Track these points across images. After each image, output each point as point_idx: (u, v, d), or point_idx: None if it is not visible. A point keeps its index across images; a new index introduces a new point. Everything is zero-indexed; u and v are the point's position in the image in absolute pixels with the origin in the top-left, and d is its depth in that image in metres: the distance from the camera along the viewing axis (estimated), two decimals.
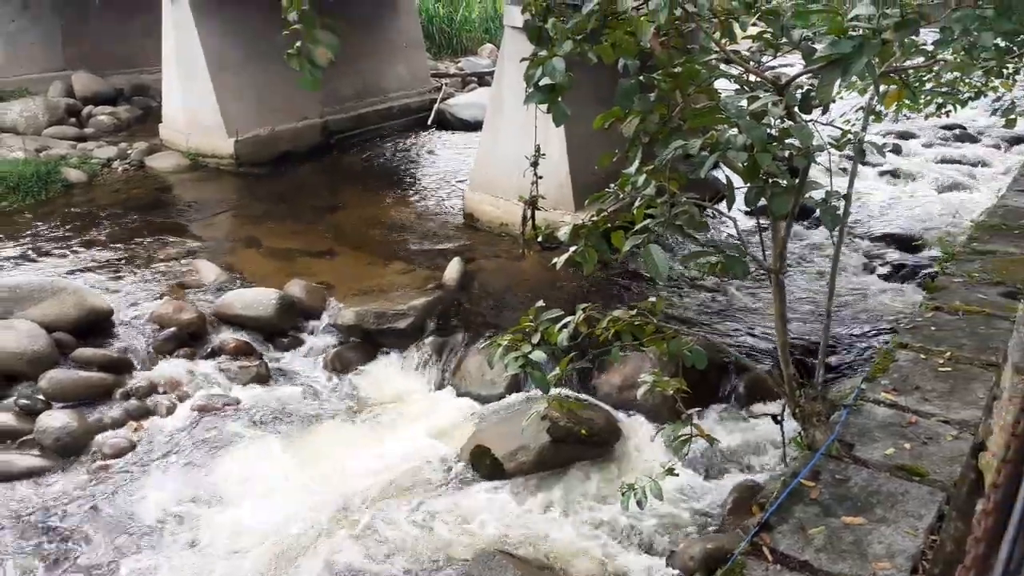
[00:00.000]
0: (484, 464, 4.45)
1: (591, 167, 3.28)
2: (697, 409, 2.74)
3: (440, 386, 5.32)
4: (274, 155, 9.35)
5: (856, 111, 4.24)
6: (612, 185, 2.26)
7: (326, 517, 4.11)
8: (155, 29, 9.22)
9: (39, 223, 7.37)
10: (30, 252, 6.74)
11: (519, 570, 3.65)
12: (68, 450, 4.49)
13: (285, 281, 6.04)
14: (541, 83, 1.83)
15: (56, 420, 4.56)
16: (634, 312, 2.40)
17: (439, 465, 4.55)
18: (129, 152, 9.30)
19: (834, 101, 2.01)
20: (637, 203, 2.22)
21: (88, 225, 7.34)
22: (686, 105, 2.04)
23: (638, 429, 4.74)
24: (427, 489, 4.35)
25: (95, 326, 5.41)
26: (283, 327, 5.69)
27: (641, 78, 2.02)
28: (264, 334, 5.64)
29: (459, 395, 5.21)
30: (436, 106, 11.36)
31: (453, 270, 6.26)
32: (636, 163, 2.17)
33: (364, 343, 5.62)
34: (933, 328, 3.55)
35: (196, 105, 9.08)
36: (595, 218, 2.17)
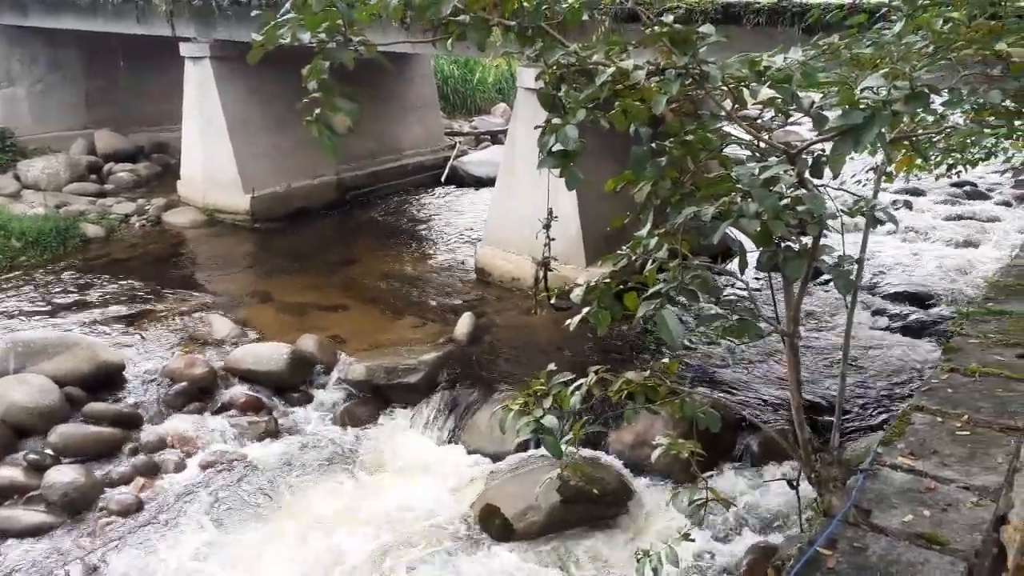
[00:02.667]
0: (494, 524, 4.38)
1: (602, 225, 3.32)
2: (711, 474, 2.69)
3: (450, 442, 5.27)
4: (289, 211, 9.49)
5: (867, 172, 4.26)
6: (624, 247, 2.28)
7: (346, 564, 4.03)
8: (176, 90, 9.46)
9: (56, 278, 7.46)
10: (46, 306, 6.81)
11: None
12: (75, 506, 4.45)
13: (297, 335, 6.06)
14: (554, 149, 1.86)
15: (64, 475, 4.53)
16: (648, 374, 2.38)
17: (448, 524, 4.48)
18: (147, 208, 9.46)
19: (845, 163, 2.03)
20: (649, 265, 2.23)
21: (104, 280, 7.42)
22: (697, 171, 2.06)
23: (651, 490, 4.67)
24: (436, 549, 4.27)
25: (107, 380, 5.42)
26: (294, 381, 5.69)
27: (653, 144, 2.05)
28: (275, 388, 5.64)
29: (469, 452, 5.16)
30: (450, 163, 11.54)
31: (464, 325, 6.27)
32: (648, 226, 2.19)
33: (374, 398, 5.60)
34: (950, 390, 3.49)
35: (214, 162, 9.26)
36: (607, 279, 2.18)
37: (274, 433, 5.25)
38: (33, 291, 7.12)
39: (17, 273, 7.52)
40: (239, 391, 5.51)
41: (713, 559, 4.16)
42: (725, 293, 6.26)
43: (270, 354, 5.74)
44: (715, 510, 4.21)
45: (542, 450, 4.82)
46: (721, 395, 5.16)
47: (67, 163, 10.16)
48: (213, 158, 9.26)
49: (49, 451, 4.75)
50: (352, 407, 5.53)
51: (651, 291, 2.03)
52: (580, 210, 6.69)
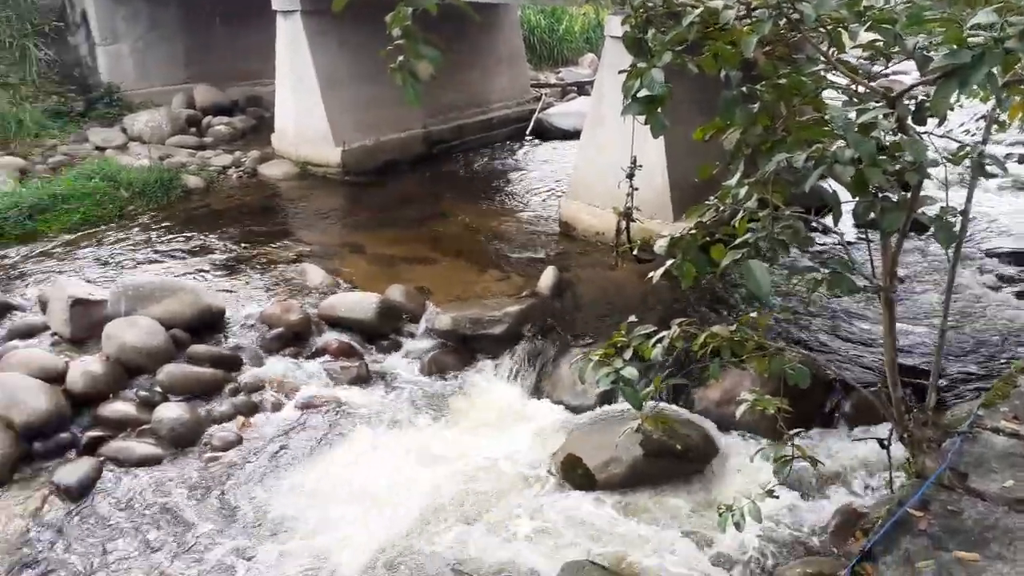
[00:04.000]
0: (575, 474, 4.44)
1: (690, 177, 3.24)
2: (799, 429, 2.64)
3: (533, 393, 5.34)
4: (378, 164, 9.65)
5: (977, 121, 3.99)
6: (712, 197, 2.22)
7: (418, 518, 4.19)
8: (269, 45, 9.68)
9: (161, 226, 7.85)
10: (152, 253, 7.19)
11: None
12: (181, 440, 4.75)
13: (386, 286, 6.21)
14: (639, 95, 1.82)
15: (171, 412, 4.84)
16: (734, 328, 2.34)
17: (530, 472, 4.57)
18: (243, 160, 9.80)
19: (952, 110, 1.90)
20: (739, 216, 2.17)
21: (205, 229, 7.76)
22: (790, 117, 1.98)
23: (736, 447, 4.63)
24: (517, 495, 4.37)
25: (209, 324, 5.71)
26: (383, 330, 5.85)
27: (744, 89, 1.97)
28: (365, 336, 5.81)
29: (551, 403, 5.22)
30: (535, 116, 11.44)
31: (548, 278, 6.28)
32: (738, 175, 2.12)
33: (460, 348, 5.72)
34: None
35: (306, 116, 9.47)
36: (693, 230, 2.13)
37: (365, 378, 5.43)
38: (140, 238, 7.53)
39: (125, 222, 7.96)
40: (332, 337, 5.72)
41: (798, 518, 4.11)
42: (818, 245, 6.07)
43: (361, 303, 5.92)
44: (804, 473, 4.15)
45: (624, 404, 4.83)
46: (812, 353, 5.03)
47: (169, 117, 10.60)
48: (305, 112, 9.47)
49: (158, 389, 5.07)
50: (439, 356, 5.66)
51: (738, 241, 1.98)
52: (668, 162, 6.55)
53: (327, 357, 5.59)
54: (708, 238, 2.14)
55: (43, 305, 5.94)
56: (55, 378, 4.92)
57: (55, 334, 5.63)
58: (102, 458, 4.58)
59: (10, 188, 8.20)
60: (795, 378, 2.35)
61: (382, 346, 5.81)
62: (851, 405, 4.69)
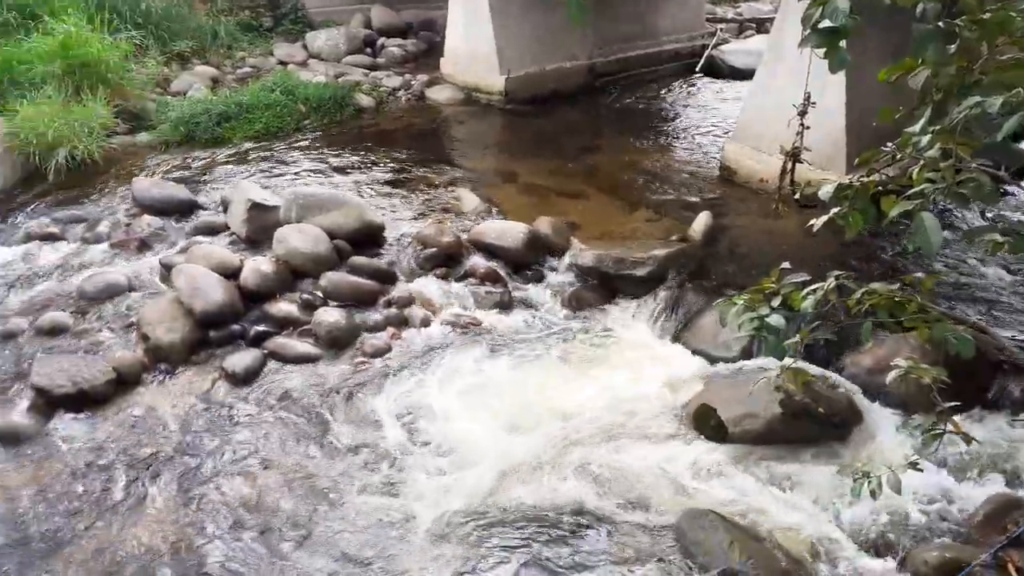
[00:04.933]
0: (707, 424, 4.37)
1: (869, 126, 3.00)
2: (956, 403, 2.45)
3: (672, 339, 5.27)
4: (540, 93, 9.62)
5: None
6: (890, 143, 2.05)
7: (547, 446, 4.29)
8: None
9: (332, 141, 8.26)
10: (322, 166, 7.61)
11: (729, 534, 3.58)
12: (336, 343, 5.08)
13: (535, 217, 6.26)
14: (821, 25, 1.68)
15: (330, 316, 5.18)
16: (896, 287, 2.17)
17: (660, 417, 4.54)
18: (412, 83, 10.07)
19: None
20: (918, 167, 1.99)
21: (372, 147, 8.10)
22: (991, 58, 1.77)
23: (882, 418, 4.37)
24: (645, 437, 4.38)
25: (369, 239, 6.00)
26: (528, 260, 5.94)
27: (940, 24, 1.78)
28: (511, 264, 5.92)
29: (689, 351, 5.13)
30: (707, 52, 10.94)
31: (700, 223, 6.10)
32: (923, 121, 1.94)
33: (602, 286, 5.71)
34: None
35: (474, 42, 9.55)
36: (864, 178, 1.98)
37: (507, 305, 5.56)
38: (312, 151, 7.97)
39: (300, 134, 8.44)
40: (480, 262, 5.87)
41: (942, 499, 3.86)
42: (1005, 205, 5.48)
43: (509, 231, 6.01)
44: (956, 453, 3.88)
45: (767, 361, 4.67)
46: (983, 326, 4.62)
47: (346, 36, 11.01)
48: (473, 38, 9.54)
49: (319, 293, 5.42)
50: (580, 291, 5.68)
51: (912, 191, 1.82)
52: (847, 106, 6.08)
53: (474, 281, 5.76)
54: (880, 187, 1.98)
55: (225, 206, 6.46)
56: (231, 274, 5.38)
57: (233, 234, 6.13)
58: (266, 351, 4.99)
59: (203, 95, 8.88)
60: (958, 347, 2.16)
61: (526, 276, 5.90)
62: (1022, 390, 4.29)
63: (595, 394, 4.72)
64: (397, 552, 3.64)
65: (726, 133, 8.12)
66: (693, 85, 10.46)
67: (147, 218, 6.35)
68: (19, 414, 4.38)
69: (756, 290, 2.20)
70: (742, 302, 2.16)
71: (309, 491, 3.99)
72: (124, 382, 4.66)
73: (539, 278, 5.88)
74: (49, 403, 4.44)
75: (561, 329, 5.38)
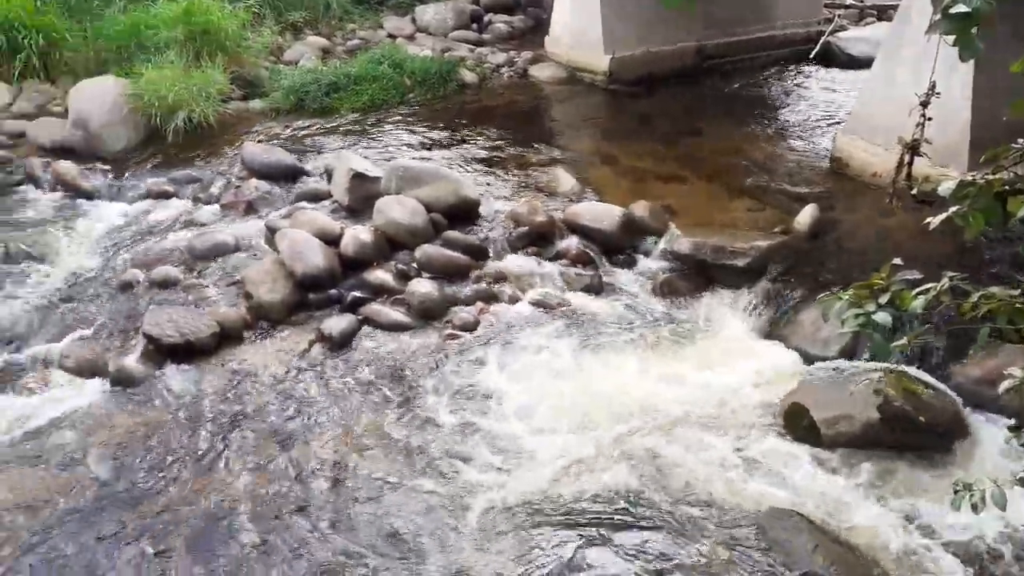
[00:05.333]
0: (798, 424, 4.24)
1: (998, 119, 2.80)
2: None
3: (767, 334, 5.12)
4: (644, 75, 9.43)
5: None
6: (1021, 140, 1.91)
7: (628, 434, 4.25)
8: None
9: (434, 115, 8.36)
10: (424, 140, 7.72)
11: (814, 537, 3.48)
12: (427, 314, 5.18)
13: (631, 200, 6.17)
14: (953, 10, 1.56)
15: (423, 287, 5.27)
16: (1018, 292, 2.04)
17: (748, 412, 4.44)
18: (516, 60, 10.06)
19: None
20: None
21: (472, 123, 8.15)
22: None
23: (990, 433, 4.13)
24: (731, 432, 4.28)
25: (464, 213, 6.06)
26: (622, 244, 5.87)
27: None
28: (603, 247, 5.86)
29: (785, 347, 4.97)
30: (824, 38, 10.46)
31: (806, 216, 5.87)
32: None
33: (697, 274, 5.59)
34: None
35: (581, 20, 9.44)
36: (990, 176, 1.85)
37: (597, 288, 5.53)
38: (415, 124, 8.09)
39: (404, 107, 8.58)
40: (572, 243, 5.84)
41: None
42: None
43: (604, 214, 5.96)
44: None
45: (868, 364, 4.47)
46: None
47: (454, 10, 11.08)
48: (580, 16, 9.44)
49: (414, 265, 5.53)
50: (673, 279, 5.59)
51: None
52: (973, 97, 5.70)
53: (565, 261, 5.74)
54: (1007, 187, 1.85)
55: (328, 175, 6.66)
56: (331, 241, 5.54)
57: (335, 202, 6.32)
58: (361, 317, 5.13)
59: (313, 65, 9.14)
60: None
61: (618, 260, 5.84)
62: None
63: (682, 385, 4.65)
64: (461, 531, 3.70)
65: (839, 124, 7.77)
66: (806, 72, 10.04)
67: (255, 182, 6.61)
68: (132, 360, 4.67)
69: (863, 286, 2.10)
70: (847, 297, 2.07)
71: (383, 458, 4.09)
72: (227, 336, 4.90)
73: (632, 263, 5.81)
74: (159, 351, 4.72)
75: (651, 316, 5.31)
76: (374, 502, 3.81)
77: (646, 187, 6.71)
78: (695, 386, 4.61)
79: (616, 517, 3.72)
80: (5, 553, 3.48)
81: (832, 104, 8.78)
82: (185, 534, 3.60)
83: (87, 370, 4.63)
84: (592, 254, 5.78)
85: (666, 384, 4.63)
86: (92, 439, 4.16)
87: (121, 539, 3.57)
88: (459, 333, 5.07)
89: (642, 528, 3.66)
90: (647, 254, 5.85)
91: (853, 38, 10.52)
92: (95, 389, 4.53)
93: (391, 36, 10.65)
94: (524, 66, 9.91)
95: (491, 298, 5.38)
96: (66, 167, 6.84)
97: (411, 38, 10.66)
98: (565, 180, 6.77)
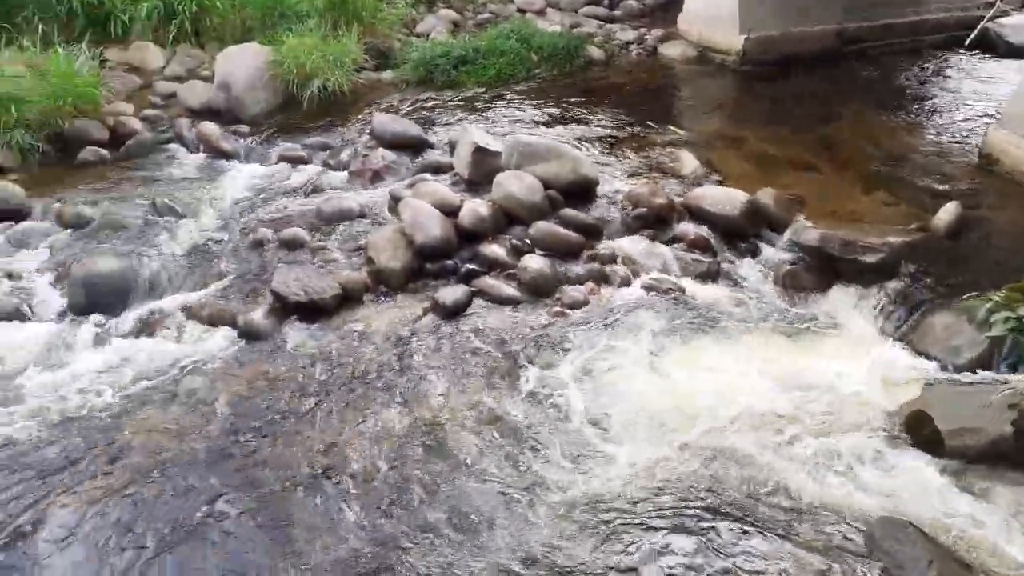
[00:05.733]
0: (920, 432, 4.01)
1: None
2: None
3: (895, 337, 4.85)
4: (780, 56, 9.05)
5: None
6: None
7: (736, 429, 4.13)
8: None
9: (559, 92, 8.33)
10: (546, 116, 7.72)
11: (929, 551, 3.30)
12: (538, 290, 5.21)
13: (757, 186, 5.97)
14: None
15: (535, 263, 5.30)
16: None
17: (866, 416, 4.23)
18: (645, 37, 9.87)
19: None
20: None
21: (597, 100, 8.08)
22: None
23: None
24: (846, 435, 4.10)
25: (581, 192, 6.04)
26: (744, 232, 5.69)
27: None
28: (723, 234, 5.71)
29: (913, 352, 4.70)
30: (982, 24, 9.69)
31: (947, 213, 5.50)
32: None
33: (822, 268, 5.35)
34: None
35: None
36: None
37: (714, 275, 5.39)
38: (539, 100, 8.09)
39: (530, 83, 8.59)
40: (690, 228, 5.72)
41: None
42: None
43: (727, 199, 5.79)
44: None
45: (1004, 376, 4.18)
46: None
47: None
48: None
49: (527, 241, 5.56)
50: (797, 271, 5.37)
51: None
52: None
53: (681, 246, 5.63)
54: None
55: (452, 147, 6.77)
56: (450, 212, 5.64)
57: (456, 174, 6.43)
58: (474, 289, 5.22)
59: (444, 38, 9.29)
60: None
61: (739, 248, 5.67)
62: None
63: (797, 382, 4.48)
64: (550, 510, 3.72)
65: (991, 117, 7.20)
66: (958, 61, 9.35)
67: (382, 151, 6.81)
68: (259, 315, 4.94)
69: (1016, 288, 1.95)
70: (998, 299, 1.93)
71: (480, 427, 4.15)
72: (348, 298, 5.10)
73: (753, 252, 5.63)
74: (284, 308, 4.97)
75: (770, 309, 5.14)
76: (465, 470, 3.88)
77: (774, 174, 6.46)
78: (811, 385, 4.43)
79: (713, 514, 3.63)
80: (135, 485, 3.77)
81: (985, 96, 8.16)
82: (293, 480, 3.80)
83: (218, 321, 4.93)
84: (711, 240, 5.64)
85: (780, 380, 4.47)
86: (219, 386, 4.44)
87: (237, 480, 3.81)
88: (568, 311, 5.07)
89: (742, 527, 3.57)
90: (770, 244, 5.65)
91: (1015, 25, 9.70)
92: (224, 340, 4.81)
93: (521, 10, 10.68)
94: (653, 44, 9.71)
95: (602, 278, 5.35)
96: (209, 129, 7.27)
97: (541, 13, 10.64)
98: (688, 162, 6.61)
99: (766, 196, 5.81)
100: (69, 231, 5.77)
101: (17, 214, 5.95)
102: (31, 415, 4.19)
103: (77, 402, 4.29)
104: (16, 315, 4.93)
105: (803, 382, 4.45)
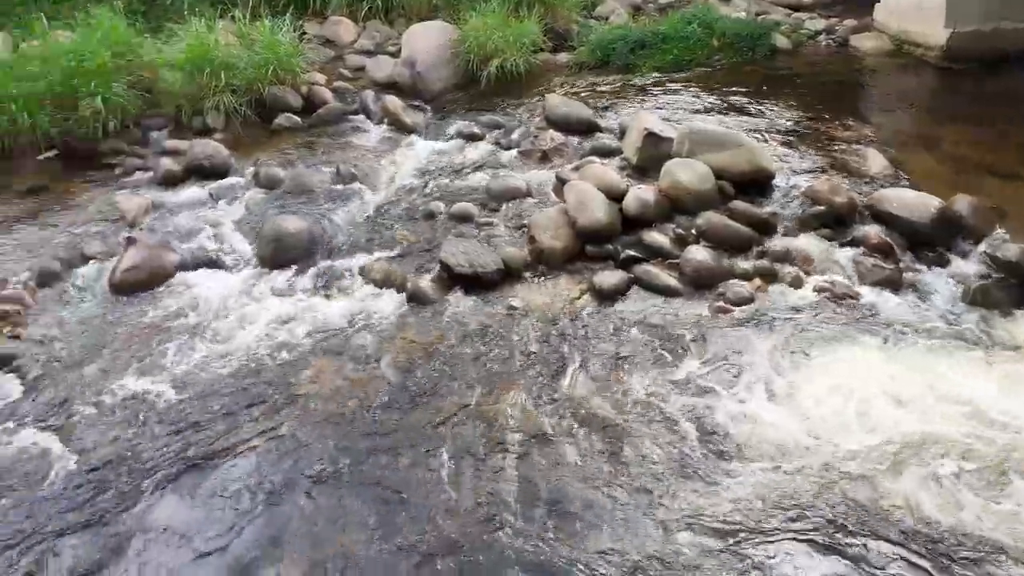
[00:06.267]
0: None
1: None
2: None
3: None
4: (989, 54, 8.23)
5: None
6: None
7: (907, 453, 3.84)
8: None
9: (738, 80, 8.03)
10: (723, 104, 7.47)
11: None
12: (699, 283, 5.08)
13: (950, 192, 5.47)
14: None
15: (699, 255, 5.18)
16: None
17: None
18: (836, 28, 9.31)
19: None
20: None
21: (778, 91, 7.72)
22: None
23: None
24: None
25: (755, 184, 5.81)
26: (933, 240, 5.26)
27: None
28: (909, 241, 5.30)
29: None
30: None
31: None
32: None
33: (1022, 287, 4.86)
34: None
35: None
36: None
37: (895, 284, 5.03)
38: (716, 87, 7.84)
39: (708, 69, 8.34)
40: (873, 230, 5.35)
41: None
42: None
43: (917, 203, 5.37)
44: None
45: None
46: None
47: None
48: None
49: (693, 231, 5.43)
50: (991, 288, 4.90)
51: None
52: None
53: (862, 250, 5.28)
54: None
55: (622, 132, 6.73)
56: (615, 197, 5.60)
57: (624, 159, 6.38)
58: (632, 276, 5.17)
59: (623, 22, 9.20)
60: None
61: (925, 256, 5.25)
62: None
63: (983, 411, 4.08)
64: (677, 524, 3.64)
65: None
66: None
67: (552, 132, 6.87)
68: (426, 282, 5.16)
69: None
70: None
71: (626, 415, 4.11)
72: (509, 274, 5.22)
73: (941, 262, 5.19)
74: (450, 278, 5.16)
75: (957, 325, 4.72)
76: (611, 457, 3.87)
77: (971, 180, 5.92)
78: (999, 414, 4.04)
79: (881, 545, 3.41)
80: (306, 428, 4.08)
81: None
82: (447, 442, 3.96)
83: (388, 284, 5.19)
84: (895, 246, 5.26)
85: (963, 406, 4.11)
86: (385, 345, 4.69)
87: (396, 439, 4.02)
88: (730, 307, 4.92)
89: (912, 564, 3.34)
90: (962, 255, 5.20)
91: None
92: (392, 302, 5.07)
93: None
94: (844, 35, 9.14)
95: (771, 276, 5.14)
96: (393, 102, 7.61)
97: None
98: (875, 162, 6.20)
99: (962, 203, 5.33)
100: (262, 190, 6.27)
101: (220, 171, 6.53)
102: (219, 356, 4.62)
103: (259, 346, 4.69)
104: (214, 263, 5.44)
105: (989, 412, 4.06)
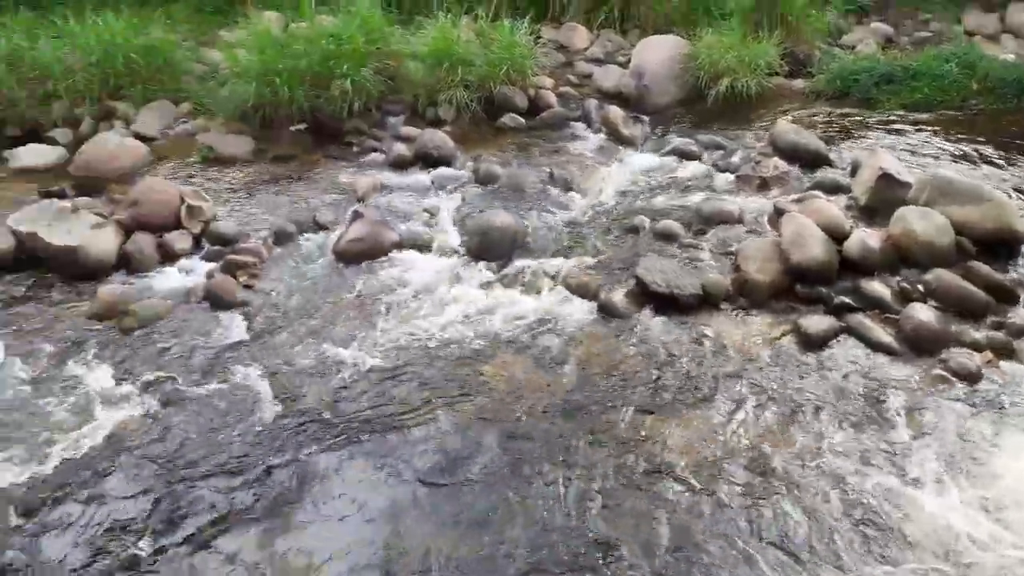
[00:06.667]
0: None
1: None
2: None
3: None
4: None
5: None
6: None
7: None
8: None
9: (997, 129, 7.24)
10: (973, 152, 6.78)
11: None
12: (919, 346, 4.63)
13: None
14: None
15: (923, 314, 4.73)
16: None
17: None
18: None
19: None
20: None
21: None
22: None
23: None
24: None
25: (1002, 244, 5.23)
26: None
27: None
28: None
29: None
30: None
31: None
32: None
33: None
34: None
35: None
36: None
37: None
38: (970, 135, 7.12)
39: (963, 113, 7.59)
40: None
41: None
42: None
43: None
44: None
45: None
46: None
47: None
48: None
49: (920, 286, 4.97)
50: None
51: None
52: None
53: None
54: None
55: (853, 169, 6.31)
56: (837, 237, 5.26)
57: (852, 198, 5.97)
58: (843, 324, 4.82)
59: (870, 52, 8.60)
60: None
61: None
62: None
63: None
64: None
65: None
66: None
67: (776, 160, 6.58)
68: (619, 295, 5.13)
69: None
70: None
71: (806, 478, 3.84)
72: (707, 301, 5.06)
73: None
74: (644, 295, 5.09)
75: None
76: (756, 515, 3.63)
77: None
78: None
79: None
80: (471, 422, 4.20)
81: None
82: (597, 462, 3.90)
83: (581, 292, 5.21)
84: None
85: None
86: (570, 350, 4.72)
87: (550, 448, 4.03)
88: (951, 379, 4.44)
89: None
90: None
91: None
92: (583, 310, 5.08)
93: (969, 33, 9.47)
94: None
95: (1006, 352, 4.59)
96: (614, 113, 7.64)
97: (993, 38, 9.35)
98: None
99: None
100: (479, 185, 6.54)
101: (444, 161, 6.89)
102: (418, 332, 4.88)
103: (454, 330, 4.89)
104: (426, 246, 5.74)
105: None
